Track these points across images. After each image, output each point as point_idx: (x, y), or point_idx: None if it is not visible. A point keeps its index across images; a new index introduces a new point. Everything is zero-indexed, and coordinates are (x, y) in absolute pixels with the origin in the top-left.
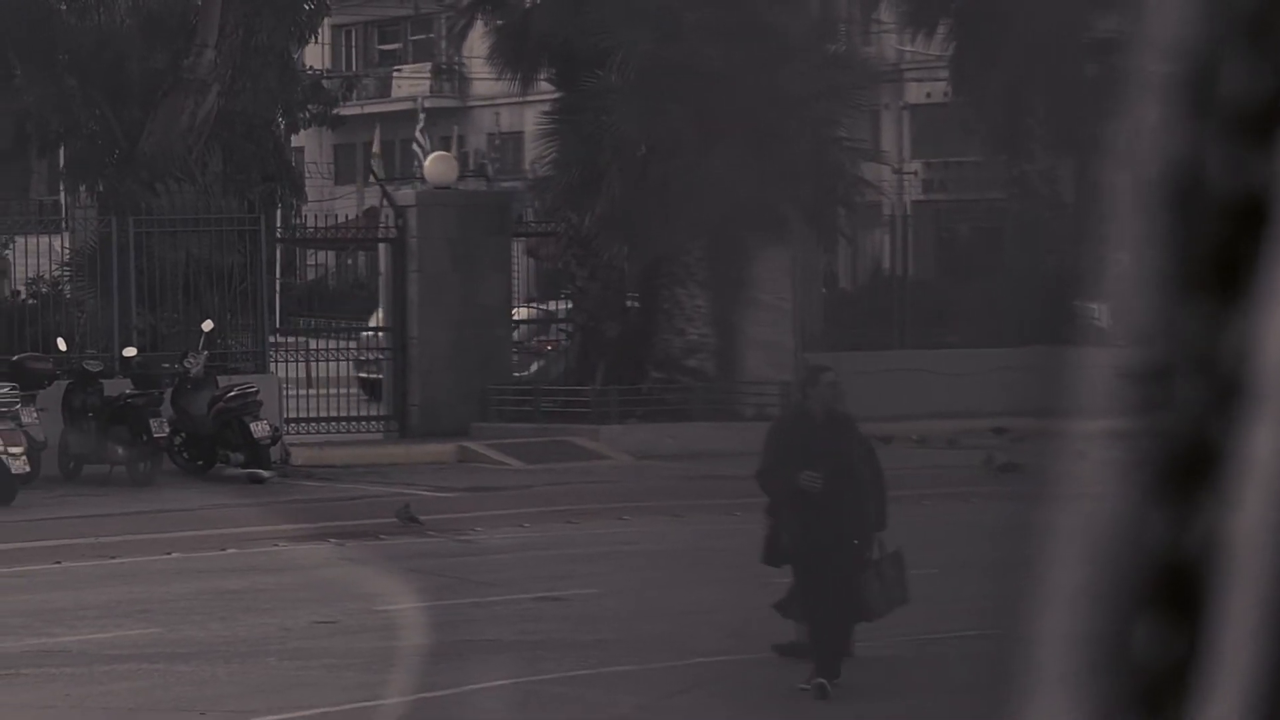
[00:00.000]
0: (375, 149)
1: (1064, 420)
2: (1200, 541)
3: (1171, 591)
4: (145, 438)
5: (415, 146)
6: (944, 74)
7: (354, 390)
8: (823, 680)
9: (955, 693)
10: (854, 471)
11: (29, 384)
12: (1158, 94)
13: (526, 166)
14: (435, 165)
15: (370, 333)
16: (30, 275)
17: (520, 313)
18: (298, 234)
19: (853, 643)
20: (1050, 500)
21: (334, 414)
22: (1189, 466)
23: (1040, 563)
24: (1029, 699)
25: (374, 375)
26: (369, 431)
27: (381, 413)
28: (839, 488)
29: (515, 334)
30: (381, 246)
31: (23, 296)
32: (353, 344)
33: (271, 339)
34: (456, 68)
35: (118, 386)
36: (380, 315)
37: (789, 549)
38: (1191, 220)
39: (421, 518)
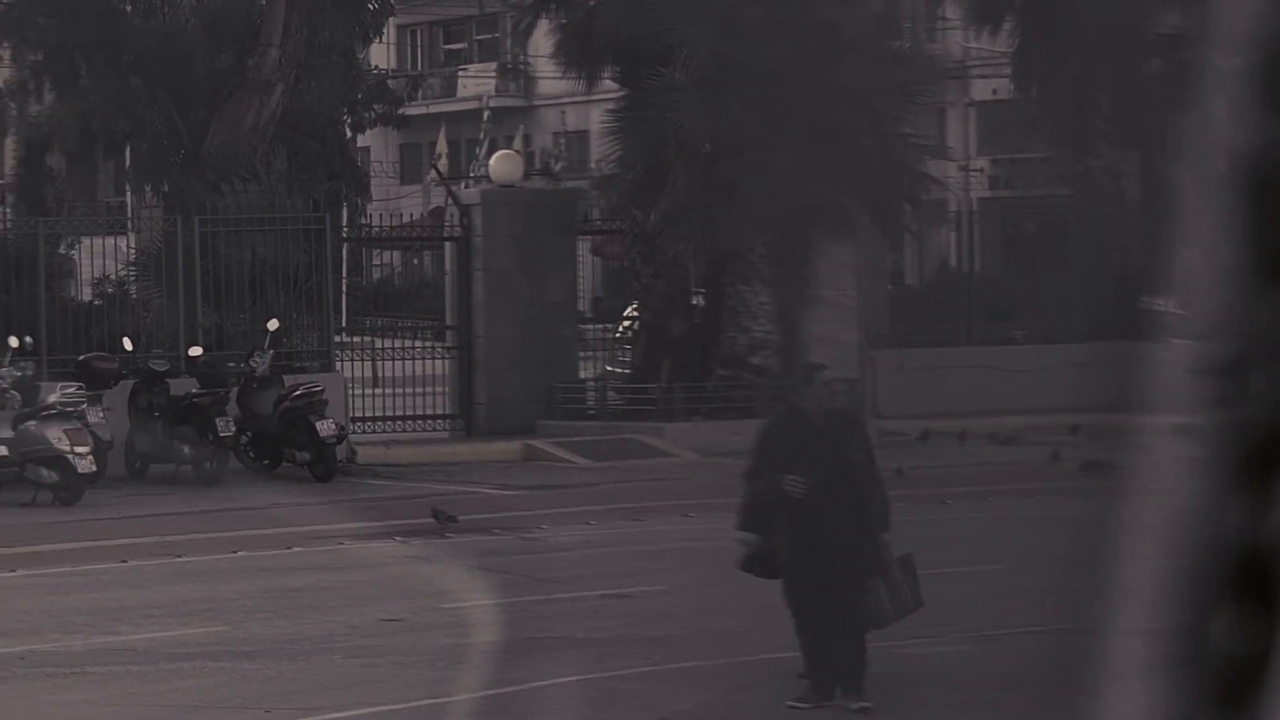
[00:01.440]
0: (441, 149)
1: (1134, 415)
2: (1278, 532)
3: (1249, 582)
4: (211, 437)
5: (481, 139)
6: (1010, 70)
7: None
8: (865, 703)
9: (1024, 689)
10: (854, 474)
11: (95, 384)
12: (1226, 88)
13: (592, 164)
14: (500, 164)
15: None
16: (96, 275)
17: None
18: (363, 233)
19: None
20: (1127, 495)
21: (400, 413)
22: (1265, 458)
23: (1116, 557)
24: (1103, 693)
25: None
26: (435, 430)
27: (447, 411)
28: (837, 491)
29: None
30: (447, 245)
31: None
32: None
33: (337, 338)
34: (522, 67)
35: (184, 386)
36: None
37: (780, 556)
38: (1262, 213)
39: (461, 516)
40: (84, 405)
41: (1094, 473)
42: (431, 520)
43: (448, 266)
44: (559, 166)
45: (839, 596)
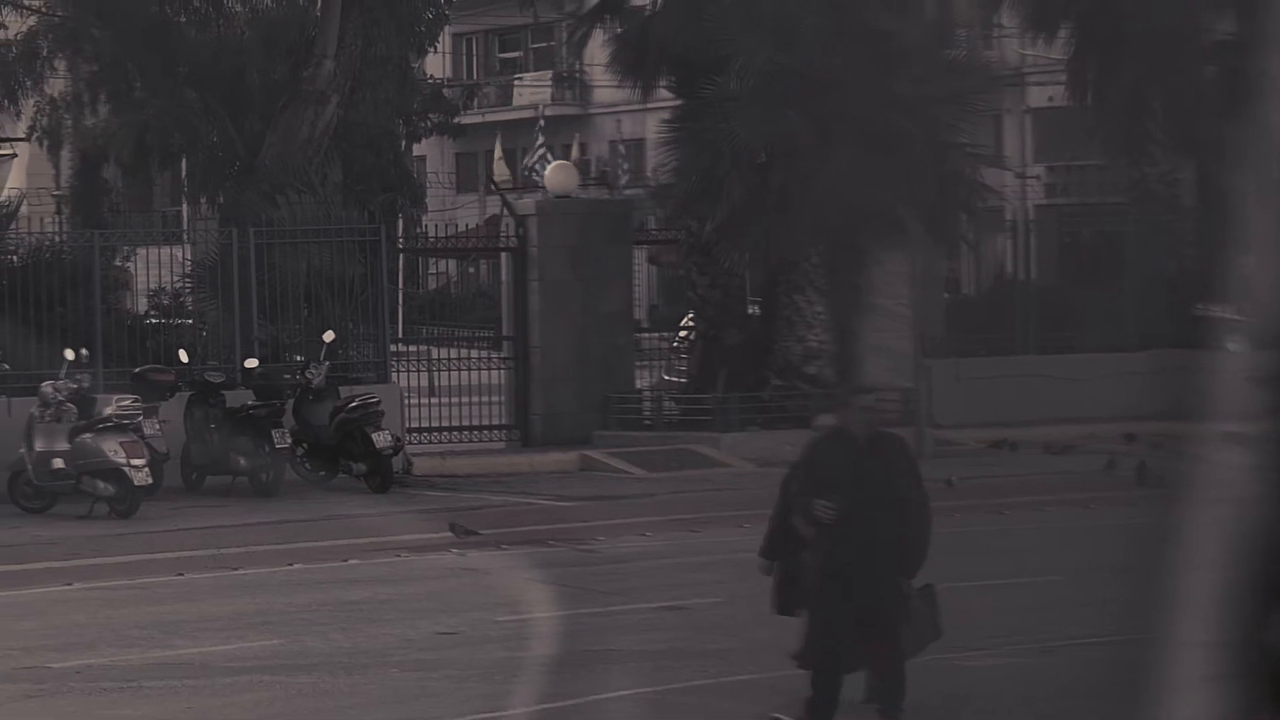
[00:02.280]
0: (498, 156)
1: (1192, 424)
2: None
3: None
4: (267, 449)
5: (541, 154)
6: (1065, 77)
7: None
8: None
9: (1083, 700)
10: (897, 500)
11: (151, 396)
12: None
13: (648, 173)
14: (556, 174)
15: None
16: (152, 287)
17: None
18: (419, 243)
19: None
20: (1185, 504)
21: (456, 424)
22: None
23: (1174, 567)
24: (1163, 703)
25: None
26: (491, 441)
27: (504, 422)
28: (875, 517)
29: None
30: (503, 255)
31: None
32: (475, 353)
33: (393, 349)
34: (577, 75)
35: (239, 398)
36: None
37: (808, 582)
38: None
39: (517, 528)
40: (140, 417)
41: (1151, 482)
42: (466, 532)
43: (503, 277)
44: (624, 167)
45: (871, 623)
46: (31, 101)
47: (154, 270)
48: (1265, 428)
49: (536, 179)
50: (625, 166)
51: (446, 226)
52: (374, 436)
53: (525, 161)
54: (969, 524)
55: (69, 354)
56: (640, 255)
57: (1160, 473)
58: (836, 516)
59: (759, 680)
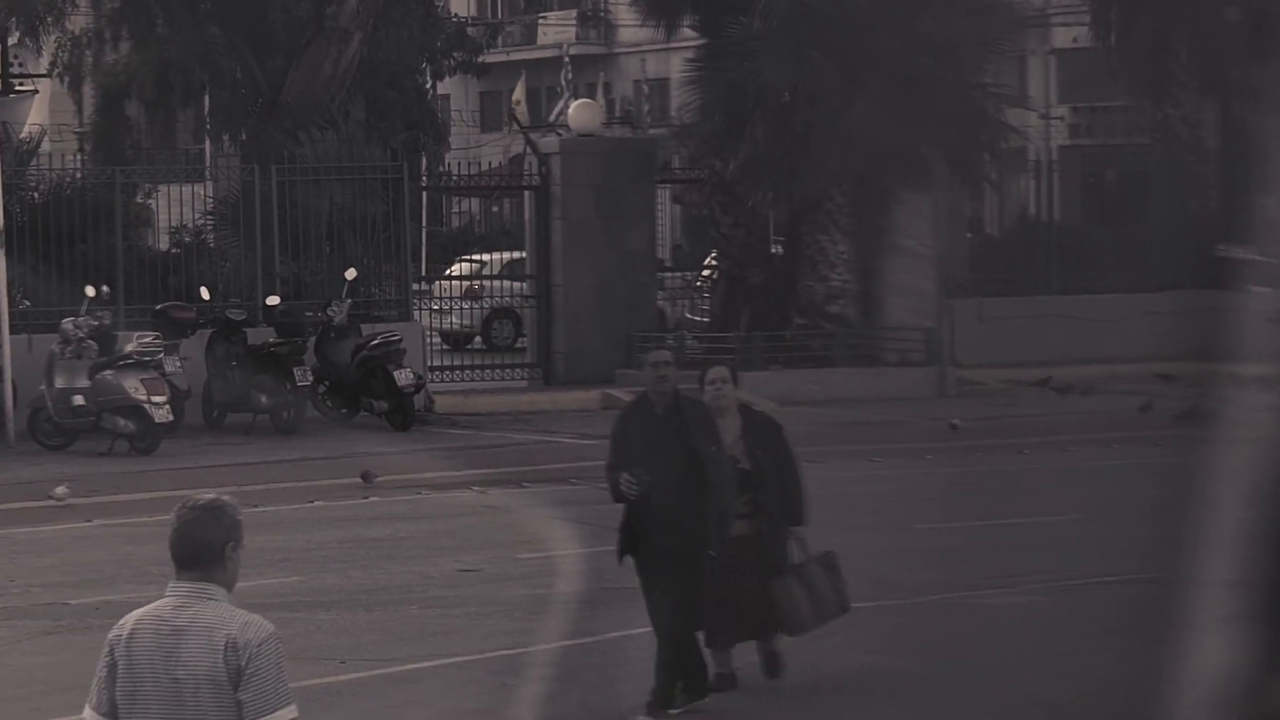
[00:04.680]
0: (517, 97)
1: (1214, 365)
2: None
3: None
4: (289, 386)
5: (561, 90)
6: (1089, 18)
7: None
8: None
9: (1105, 637)
10: (707, 466)
11: (172, 333)
12: None
13: (672, 113)
14: (580, 112)
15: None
16: (174, 224)
17: None
18: (442, 181)
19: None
20: (1208, 445)
21: (478, 362)
22: None
23: (1199, 506)
24: (1186, 641)
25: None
26: (513, 379)
27: (526, 360)
28: (680, 486)
29: None
30: (526, 194)
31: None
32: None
33: (415, 287)
34: (602, 14)
35: (261, 335)
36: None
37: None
38: None
39: (540, 465)
40: (161, 354)
41: (1177, 422)
42: (372, 477)
43: (526, 215)
44: (646, 110)
45: (676, 595)
46: (53, 38)
47: (176, 207)
48: None
49: (560, 123)
50: (647, 109)
51: (470, 165)
52: (396, 374)
53: (556, 105)
54: (988, 464)
55: (90, 291)
56: (664, 194)
57: (1185, 413)
58: (640, 490)
59: None
